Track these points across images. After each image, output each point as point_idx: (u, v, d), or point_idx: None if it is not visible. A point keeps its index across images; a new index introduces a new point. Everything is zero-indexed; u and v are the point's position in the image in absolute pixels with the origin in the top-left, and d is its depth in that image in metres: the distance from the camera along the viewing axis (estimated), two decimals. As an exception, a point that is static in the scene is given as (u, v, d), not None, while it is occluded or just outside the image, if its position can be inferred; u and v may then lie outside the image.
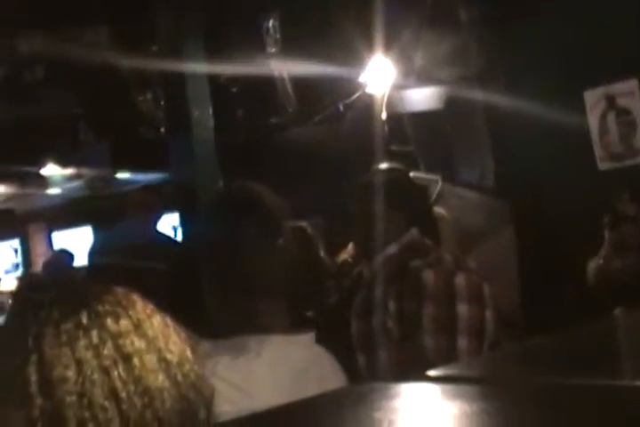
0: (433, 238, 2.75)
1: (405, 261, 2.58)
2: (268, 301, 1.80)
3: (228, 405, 1.39)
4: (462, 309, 2.44)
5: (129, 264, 4.50)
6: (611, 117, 4.42)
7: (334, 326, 2.68)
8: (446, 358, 2.34)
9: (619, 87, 4.41)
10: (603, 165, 4.47)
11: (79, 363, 1.09)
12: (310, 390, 1.51)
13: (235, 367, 1.67)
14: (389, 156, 4.42)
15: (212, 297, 1.86)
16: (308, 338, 1.84)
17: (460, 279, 2.49)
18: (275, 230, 1.88)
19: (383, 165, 2.94)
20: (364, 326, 2.56)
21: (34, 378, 1.08)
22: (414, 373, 2.02)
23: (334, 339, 2.03)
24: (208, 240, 1.94)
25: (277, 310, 1.82)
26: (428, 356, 2.39)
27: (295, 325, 1.84)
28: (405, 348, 2.46)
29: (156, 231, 5.06)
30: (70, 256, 7.31)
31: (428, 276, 2.49)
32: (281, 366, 1.72)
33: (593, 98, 4.45)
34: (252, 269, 1.82)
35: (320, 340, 1.87)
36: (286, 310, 1.85)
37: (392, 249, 2.64)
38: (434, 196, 4.53)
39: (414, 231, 2.67)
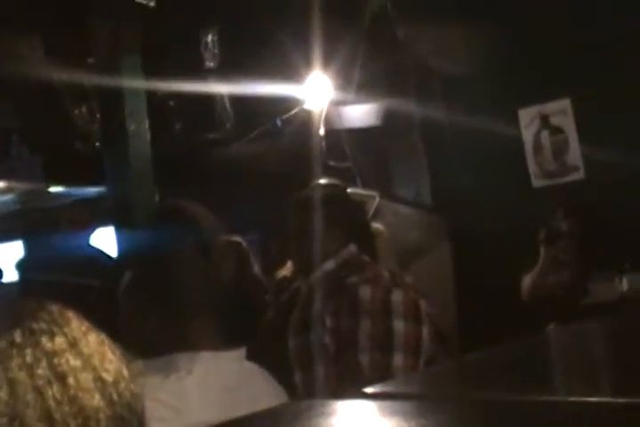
0: (370, 254, 2.76)
1: (342, 277, 2.58)
2: (199, 318, 1.79)
3: (160, 423, 1.38)
4: (399, 325, 2.44)
5: (62, 280, 4.43)
6: (544, 135, 4.51)
7: (271, 342, 2.67)
8: (382, 374, 2.34)
9: (552, 106, 4.49)
10: (537, 182, 4.54)
11: (12, 383, 1.06)
12: (243, 406, 1.51)
13: (166, 386, 1.66)
14: (327, 171, 4.44)
15: (141, 315, 1.84)
16: (239, 354, 1.83)
17: (396, 296, 2.50)
18: (207, 248, 1.87)
19: (321, 181, 2.95)
20: (301, 342, 2.55)
21: (-36, 400, 1.05)
22: (351, 389, 2.03)
23: (271, 355, 2.02)
24: (139, 257, 1.92)
25: (208, 328, 1.80)
26: (364, 372, 2.38)
27: (228, 342, 1.82)
28: (341, 364, 2.45)
29: (89, 246, 5.00)
30: (-1, 272, 7.17)
31: (365, 292, 2.49)
32: (212, 383, 1.71)
33: (527, 116, 4.53)
34: (182, 287, 1.80)
35: (255, 356, 1.86)
36: (218, 328, 1.83)
37: (329, 265, 2.64)
38: (371, 212, 4.55)
39: (352, 247, 2.67)
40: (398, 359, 2.42)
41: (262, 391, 1.79)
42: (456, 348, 4.08)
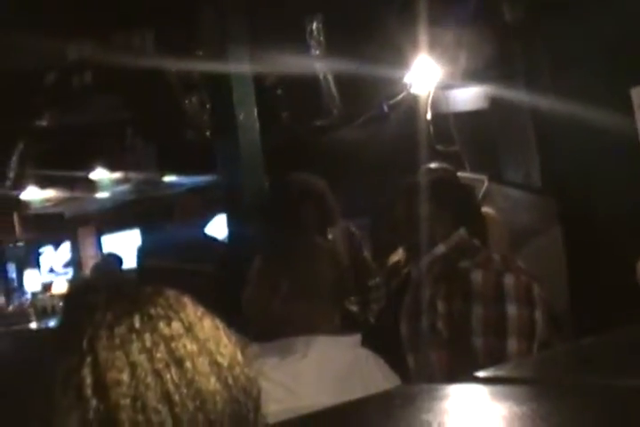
0: (481, 238, 2.73)
1: (453, 261, 2.57)
2: (316, 302, 1.82)
3: (275, 404, 1.41)
4: (512, 309, 2.41)
5: (177, 267, 4.54)
6: (659, 114, 4.37)
7: (384, 327, 2.67)
8: (496, 359, 2.31)
9: (667, 83, 4.35)
10: (652, 163, 4.41)
11: (133, 366, 1.10)
12: (356, 390, 1.52)
13: (282, 368, 1.69)
14: (435, 156, 4.41)
15: (259, 298, 1.88)
16: (354, 340, 1.85)
17: (508, 279, 2.46)
18: (326, 226, 1.91)
19: (431, 165, 2.92)
20: (414, 327, 2.54)
21: (88, 380, 1.09)
22: (463, 374, 2.02)
23: (384, 340, 2.04)
24: (258, 240, 1.97)
25: (325, 312, 1.83)
26: (478, 357, 2.37)
27: (344, 326, 1.85)
28: (455, 349, 2.44)
29: (204, 234, 5.10)
30: (119, 260, 7.38)
31: (477, 276, 2.47)
32: (327, 367, 1.73)
33: (641, 95, 4.40)
34: (302, 271, 1.83)
35: (369, 341, 1.88)
36: (334, 312, 1.85)
37: (440, 249, 2.62)
38: (480, 195, 4.51)
39: (462, 231, 2.65)
40: (512, 344, 2.39)
41: (376, 377, 1.81)
42: (569, 332, 4.01)
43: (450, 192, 2.73)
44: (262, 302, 1.87)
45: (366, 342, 1.87)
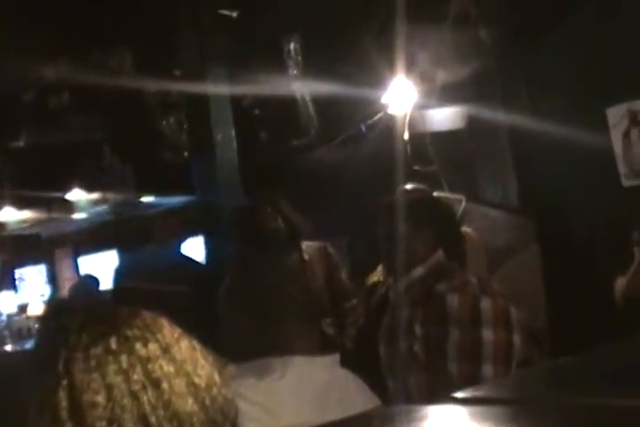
0: (459, 259, 2.74)
1: (431, 284, 2.56)
2: (291, 323, 1.81)
3: (253, 423, 1.40)
4: (487, 334, 2.40)
5: (153, 288, 4.52)
6: (634, 134, 4.40)
7: (362, 348, 2.67)
8: (471, 384, 2.29)
9: (641, 104, 4.39)
10: (627, 182, 4.44)
11: (109, 388, 1.09)
12: (334, 410, 1.52)
13: (259, 388, 1.68)
14: (412, 176, 4.42)
15: (234, 320, 1.87)
16: (332, 359, 1.84)
17: (485, 304, 2.45)
18: (298, 249, 1.90)
19: (408, 186, 2.93)
20: (392, 350, 2.54)
21: (64, 403, 1.08)
22: (441, 395, 2.02)
23: (363, 361, 2.03)
24: (231, 262, 1.96)
25: (301, 332, 1.82)
26: (453, 382, 2.36)
27: (322, 347, 1.84)
28: (431, 372, 2.43)
29: (180, 254, 5.08)
30: (95, 281, 7.35)
31: (453, 300, 2.46)
32: (305, 387, 1.73)
33: (616, 115, 4.43)
34: (276, 293, 1.82)
35: (347, 361, 1.87)
36: (309, 332, 1.85)
37: (418, 272, 2.62)
38: (458, 215, 4.52)
39: (440, 253, 2.65)
40: (487, 369, 2.38)
41: (355, 397, 1.80)
42: (547, 350, 4.01)
43: (428, 212, 2.73)
44: (233, 320, 1.86)
45: (344, 364, 1.86)
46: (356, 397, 1.82)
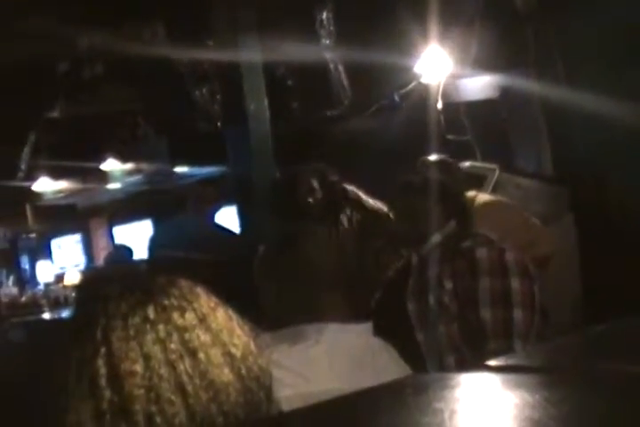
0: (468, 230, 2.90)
1: (455, 243, 2.76)
2: (326, 290, 1.82)
3: (287, 389, 1.41)
4: (515, 283, 2.59)
5: (188, 257, 4.55)
6: (671, 102, 4.34)
7: (387, 311, 2.74)
8: (503, 329, 2.52)
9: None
10: (664, 151, 4.39)
11: (147, 357, 1.10)
12: (368, 378, 1.53)
13: (293, 354, 1.69)
14: (446, 145, 4.40)
15: (269, 288, 1.88)
16: (365, 327, 1.85)
17: (509, 256, 2.65)
18: (336, 221, 1.90)
19: (430, 157, 3.08)
20: (421, 306, 2.71)
21: (102, 371, 1.10)
22: (473, 348, 2.04)
23: (388, 325, 2.05)
24: (267, 232, 1.97)
25: (334, 302, 1.83)
26: (485, 328, 2.54)
27: (355, 316, 1.85)
28: (464, 321, 2.60)
29: (215, 224, 5.11)
30: (129, 251, 7.41)
31: (482, 253, 2.65)
32: (339, 353, 1.74)
33: (653, 83, 4.37)
34: (311, 261, 1.83)
35: (379, 330, 1.89)
36: (345, 302, 1.86)
37: (437, 238, 2.82)
38: (491, 185, 4.50)
39: (453, 223, 2.86)
40: (518, 314, 2.55)
41: (387, 366, 1.81)
42: (582, 320, 4.02)
43: (440, 190, 2.90)
44: (266, 290, 1.88)
45: (377, 333, 1.88)
46: (390, 365, 1.83)
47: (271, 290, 1.87)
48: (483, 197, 4.02)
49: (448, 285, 2.64)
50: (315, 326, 1.75)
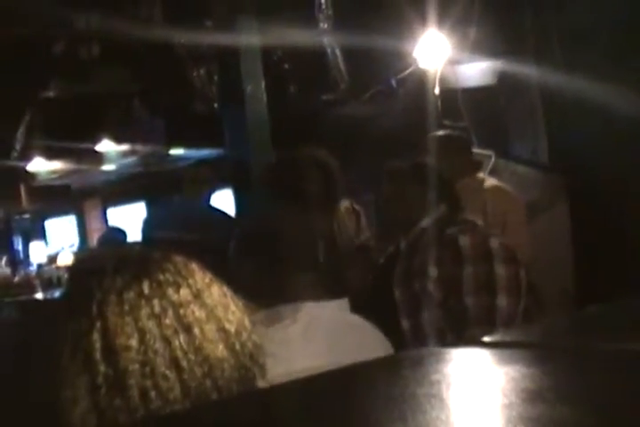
0: (457, 214, 2.90)
1: (440, 230, 2.76)
2: (300, 272, 1.83)
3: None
4: (500, 269, 2.59)
5: (182, 239, 4.54)
6: (667, 91, 4.34)
7: (377, 296, 2.78)
8: (486, 316, 2.53)
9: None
10: (659, 140, 4.39)
11: (142, 332, 1.11)
12: (348, 354, 1.53)
13: (268, 335, 1.70)
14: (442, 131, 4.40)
15: (244, 270, 1.89)
16: (341, 303, 1.86)
17: (494, 243, 2.66)
18: (330, 203, 1.91)
19: (440, 132, 3.09)
20: (407, 292, 2.72)
21: (98, 345, 1.10)
22: (458, 333, 2.05)
23: (375, 308, 2.07)
24: (248, 213, 1.99)
25: (311, 281, 1.84)
26: (470, 315, 2.55)
27: (330, 294, 1.86)
28: (448, 308, 2.61)
29: (209, 206, 5.10)
30: (122, 233, 7.40)
31: (465, 241, 2.65)
32: (316, 330, 1.74)
33: (650, 71, 4.37)
34: (284, 242, 1.84)
35: (363, 308, 1.90)
36: (319, 281, 1.87)
37: (426, 222, 2.81)
38: (487, 171, 4.50)
39: (443, 207, 2.84)
40: (502, 300, 2.56)
41: (367, 342, 1.82)
42: (574, 305, 4.04)
43: (429, 175, 2.89)
44: (241, 273, 1.88)
45: (358, 311, 1.89)
46: (370, 342, 1.84)
47: (248, 270, 1.87)
48: (491, 180, 4.06)
49: (433, 272, 2.65)
50: (290, 306, 1.76)
